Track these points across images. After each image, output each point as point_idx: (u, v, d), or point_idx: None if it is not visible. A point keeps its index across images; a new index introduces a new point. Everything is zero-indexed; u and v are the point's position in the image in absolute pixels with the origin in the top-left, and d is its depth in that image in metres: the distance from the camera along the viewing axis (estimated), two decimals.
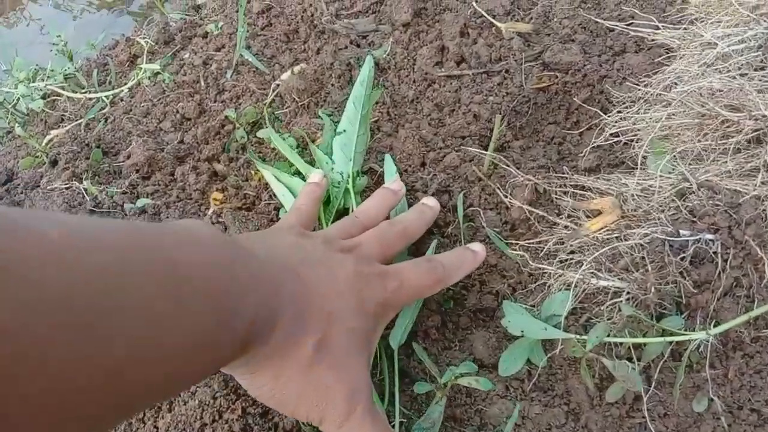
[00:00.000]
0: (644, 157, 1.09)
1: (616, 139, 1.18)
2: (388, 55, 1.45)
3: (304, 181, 1.13)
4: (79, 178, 1.28)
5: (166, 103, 1.48)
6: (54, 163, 1.37)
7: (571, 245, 1.00)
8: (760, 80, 1.00)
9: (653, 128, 1.05)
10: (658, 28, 1.30)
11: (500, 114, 1.30)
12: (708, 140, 1.01)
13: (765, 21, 1.08)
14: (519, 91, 1.33)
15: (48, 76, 1.72)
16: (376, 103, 1.36)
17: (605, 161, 1.22)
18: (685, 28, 1.25)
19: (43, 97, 1.67)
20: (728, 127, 1.00)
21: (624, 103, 1.25)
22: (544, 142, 1.32)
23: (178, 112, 1.45)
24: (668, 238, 0.87)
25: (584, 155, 1.22)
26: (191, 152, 1.35)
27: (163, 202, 1.23)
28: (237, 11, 1.73)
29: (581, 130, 1.30)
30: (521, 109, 1.33)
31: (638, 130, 1.12)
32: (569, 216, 1.06)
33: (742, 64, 1.07)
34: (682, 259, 0.87)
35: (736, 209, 0.88)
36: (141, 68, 1.59)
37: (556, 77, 1.33)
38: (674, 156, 1.06)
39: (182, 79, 1.51)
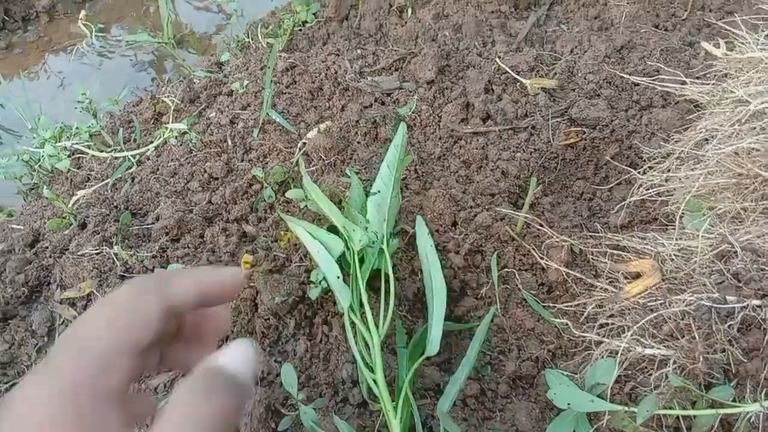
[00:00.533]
0: (680, 216, 1.08)
1: (649, 196, 1.17)
2: (413, 112, 1.46)
3: (341, 238, 1.12)
4: (109, 242, 1.28)
5: (193, 162, 1.49)
6: (83, 225, 1.37)
7: (611, 309, 0.98)
8: None
9: (690, 186, 1.04)
10: (684, 82, 1.30)
11: (528, 171, 1.30)
12: (747, 201, 1.00)
13: None
14: (547, 147, 1.33)
15: (74, 134, 1.75)
16: None
17: (638, 218, 1.20)
18: (713, 84, 1.25)
19: (69, 156, 1.68)
20: (767, 187, 0.98)
21: (655, 159, 1.25)
22: (573, 198, 1.31)
23: (205, 171, 1.45)
24: (714, 305, 0.85)
25: (616, 211, 1.21)
26: (220, 213, 1.35)
27: (194, 265, 1.23)
28: (261, 69, 1.75)
29: (611, 186, 1.29)
30: (550, 165, 1.33)
31: (673, 188, 1.11)
32: (608, 278, 1.04)
33: None
34: (729, 326, 0.85)
35: None
36: (168, 127, 1.60)
37: (584, 133, 1.33)
38: (712, 215, 1.04)
39: (209, 139, 1.52)
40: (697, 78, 1.33)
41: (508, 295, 1.10)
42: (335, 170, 1.41)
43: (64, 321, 1.24)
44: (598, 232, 1.16)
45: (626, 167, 1.25)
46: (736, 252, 0.92)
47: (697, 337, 0.85)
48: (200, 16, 2.37)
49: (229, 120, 1.57)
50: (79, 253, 1.26)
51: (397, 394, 0.94)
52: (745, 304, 0.86)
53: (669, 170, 1.11)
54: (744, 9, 1.57)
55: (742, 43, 1.24)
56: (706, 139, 1.13)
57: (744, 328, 0.87)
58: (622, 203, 1.19)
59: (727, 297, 0.86)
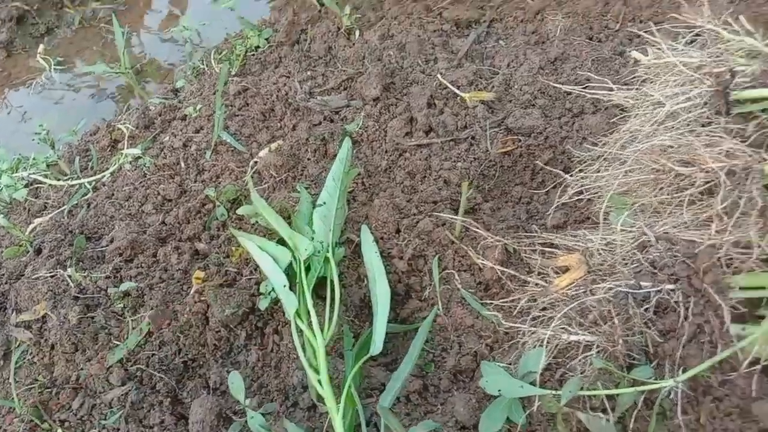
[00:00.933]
0: (607, 213, 1.14)
1: (579, 197, 1.24)
2: (360, 128, 1.52)
3: (288, 249, 1.16)
4: (63, 265, 1.30)
5: (147, 185, 1.53)
6: (38, 251, 1.40)
7: (543, 302, 1.04)
8: (707, 135, 1.07)
9: (612, 186, 1.11)
10: (612, 89, 1.38)
11: (468, 179, 1.36)
12: (664, 194, 1.07)
13: (708, 80, 1.16)
14: (485, 156, 1.40)
15: (31, 165, 1.77)
16: None
17: (572, 218, 1.27)
18: (637, 89, 1.33)
19: (26, 186, 1.71)
20: (682, 180, 1.06)
21: (585, 162, 1.31)
22: (512, 202, 1.38)
23: (159, 194, 1.49)
24: (631, 290, 0.91)
25: (551, 213, 1.27)
26: (173, 232, 1.39)
27: (147, 284, 1.26)
28: (214, 93, 1.80)
29: (547, 189, 1.36)
30: (488, 173, 1.39)
31: (599, 187, 1.18)
32: (539, 273, 1.10)
33: (690, 121, 1.14)
34: (646, 310, 0.91)
35: (693, 259, 0.92)
36: (122, 153, 1.64)
37: (520, 141, 1.40)
38: (634, 211, 1.11)
39: (163, 162, 1.56)
40: (624, 84, 1.41)
41: (450, 295, 1.15)
42: (286, 186, 1.46)
43: (20, 344, 1.25)
44: (534, 233, 1.22)
45: (560, 171, 1.32)
46: (653, 242, 0.99)
47: (616, 322, 0.91)
48: (164, 47, 2.40)
49: (182, 143, 1.61)
50: (34, 277, 1.29)
51: (341, 394, 0.98)
52: (659, 288, 0.92)
53: (597, 171, 1.18)
54: (670, 20, 1.66)
55: (659, 49, 1.33)
56: (630, 142, 1.21)
57: (660, 311, 0.93)
58: (556, 205, 1.26)
59: (642, 283, 0.92)
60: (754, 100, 1.12)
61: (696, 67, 1.19)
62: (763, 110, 1.12)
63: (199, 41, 2.22)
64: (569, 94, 1.47)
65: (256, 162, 1.51)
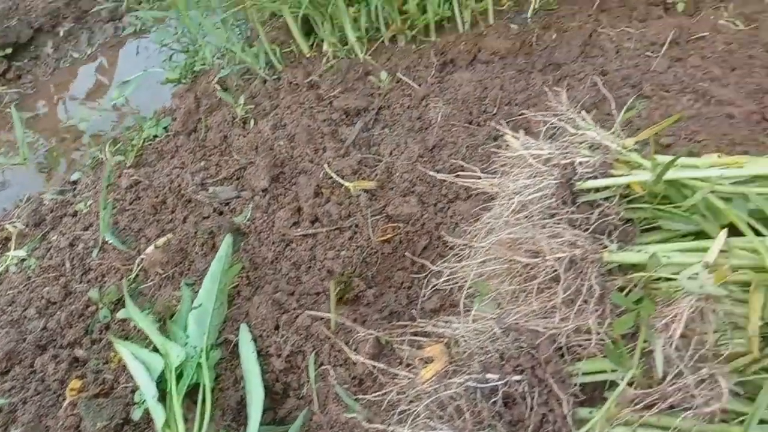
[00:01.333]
0: (471, 301, 1.20)
1: (452, 284, 1.30)
2: (248, 220, 1.56)
3: (162, 357, 1.17)
4: None
5: (31, 289, 1.50)
6: None
7: (410, 395, 1.07)
8: (552, 226, 1.15)
9: (472, 274, 1.17)
10: (479, 177, 1.47)
11: (352, 267, 1.41)
12: (516, 284, 1.13)
13: (555, 171, 1.25)
14: (368, 244, 1.45)
15: None
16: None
17: (448, 302, 1.33)
18: (500, 177, 1.42)
19: None
20: (530, 270, 1.13)
21: (458, 247, 1.38)
22: (395, 287, 1.43)
23: (43, 297, 1.47)
24: (478, 384, 0.96)
25: (427, 298, 1.33)
26: (54, 338, 1.37)
27: (20, 398, 1.23)
28: (108, 186, 1.81)
29: (426, 274, 1.42)
30: (371, 260, 1.44)
31: (464, 274, 1.24)
32: (408, 365, 1.14)
33: (541, 210, 1.23)
34: (494, 403, 0.96)
35: (537, 349, 0.98)
36: (8, 255, 1.61)
37: (399, 228, 1.46)
38: (494, 299, 1.17)
39: (48, 263, 1.55)
40: (493, 171, 1.50)
41: (327, 391, 1.17)
42: (173, 283, 1.46)
43: None
44: (411, 321, 1.26)
45: (427, 262, 1.38)
46: (499, 333, 1.04)
47: (467, 416, 0.95)
48: (68, 135, 2.38)
49: (69, 242, 1.60)
50: None
51: None
52: (505, 380, 0.97)
53: (461, 260, 1.24)
54: (541, 104, 1.79)
55: (517, 138, 1.43)
56: (491, 230, 1.28)
57: (510, 402, 0.98)
58: (432, 290, 1.31)
59: (490, 375, 0.98)
60: (597, 190, 1.22)
61: (545, 159, 1.28)
62: (605, 198, 1.21)
63: (95, 131, 2.23)
64: (445, 180, 1.55)
65: (142, 259, 1.51)
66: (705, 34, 1.87)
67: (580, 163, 1.24)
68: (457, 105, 1.84)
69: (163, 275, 1.47)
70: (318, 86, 2.01)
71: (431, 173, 1.56)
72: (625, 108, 1.48)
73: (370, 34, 2.14)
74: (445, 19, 2.10)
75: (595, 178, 1.23)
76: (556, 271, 1.12)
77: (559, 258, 1.09)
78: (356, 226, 1.50)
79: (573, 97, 1.63)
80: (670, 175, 1.17)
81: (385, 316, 1.33)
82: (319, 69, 2.06)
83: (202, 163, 1.80)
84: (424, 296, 1.34)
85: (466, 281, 1.27)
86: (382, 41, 2.13)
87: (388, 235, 1.45)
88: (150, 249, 1.52)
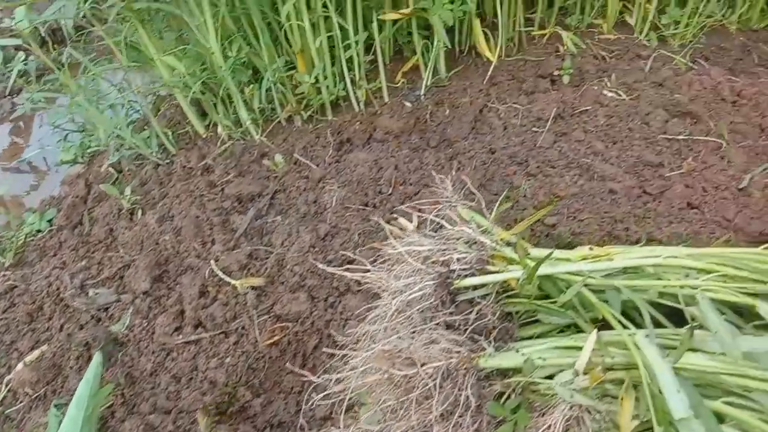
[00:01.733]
0: (355, 411, 1.15)
1: (338, 389, 1.24)
2: (126, 328, 1.46)
3: None
4: None
5: None
6: None
7: None
8: (429, 331, 1.12)
9: (351, 385, 1.13)
10: (368, 270, 1.43)
11: (237, 376, 1.33)
12: (397, 395, 1.09)
13: (433, 270, 1.23)
14: (254, 348, 1.38)
15: None
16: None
17: (339, 409, 1.27)
18: (386, 271, 1.39)
19: None
20: (410, 380, 1.09)
21: (347, 346, 1.33)
22: (285, 393, 1.36)
23: None
24: None
25: (317, 405, 1.27)
26: None
27: None
28: None
29: (318, 375, 1.36)
30: (258, 366, 1.37)
31: (348, 383, 1.19)
32: None
33: (421, 311, 1.20)
34: None
35: None
36: None
37: (288, 328, 1.41)
38: (378, 409, 1.12)
39: None
40: (383, 262, 1.47)
41: None
42: (45, 403, 1.35)
43: None
44: (303, 430, 1.20)
45: (306, 372, 1.33)
46: None
47: None
48: None
49: None
50: None
51: None
52: None
53: (341, 369, 1.20)
54: (433, 184, 1.79)
55: (401, 231, 1.41)
56: (375, 333, 1.24)
57: None
58: (322, 395, 1.25)
59: None
60: (475, 287, 1.21)
61: (425, 257, 1.27)
62: (483, 296, 1.20)
63: None
64: (335, 273, 1.51)
65: (11, 379, 1.39)
66: (587, 107, 1.94)
67: (458, 259, 1.23)
68: (353, 187, 1.82)
69: (33, 396, 1.35)
70: (212, 170, 1.95)
71: (321, 266, 1.51)
72: (499, 201, 1.50)
73: (265, 115, 2.11)
74: (340, 99, 2.10)
75: (473, 275, 1.22)
76: (434, 379, 1.09)
77: (435, 368, 1.06)
78: (243, 328, 1.43)
79: (461, 179, 1.63)
80: (544, 270, 1.18)
81: (274, 426, 1.26)
82: (214, 151, 2.01)
83: (84, 262, 1.70)
84: (312, 405, 1.28)
85: (349, 391, 1.22)
86: (279, 121, 2.11)
87: (276, 337, 1.39)
88: (19, 367, 1.40)
